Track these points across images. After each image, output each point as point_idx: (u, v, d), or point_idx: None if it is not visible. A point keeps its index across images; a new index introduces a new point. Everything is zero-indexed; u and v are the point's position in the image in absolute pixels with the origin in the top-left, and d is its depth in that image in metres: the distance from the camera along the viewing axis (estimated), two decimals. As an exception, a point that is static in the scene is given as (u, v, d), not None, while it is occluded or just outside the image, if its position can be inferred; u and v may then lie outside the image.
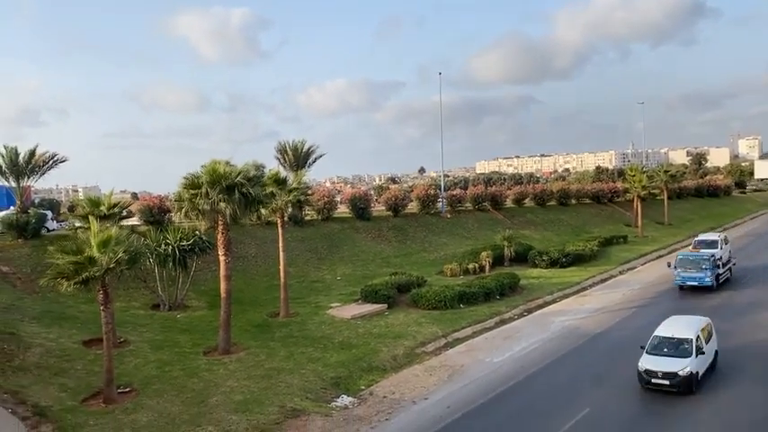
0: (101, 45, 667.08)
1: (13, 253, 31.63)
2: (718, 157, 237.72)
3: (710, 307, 28.47)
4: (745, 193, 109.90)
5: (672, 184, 71.76)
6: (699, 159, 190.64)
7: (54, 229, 37.85)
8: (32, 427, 15.97)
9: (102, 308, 18.25)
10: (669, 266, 33.40)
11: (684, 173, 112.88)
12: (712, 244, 36.69)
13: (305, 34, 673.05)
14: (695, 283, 32.16)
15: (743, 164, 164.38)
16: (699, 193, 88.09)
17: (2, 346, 20.44)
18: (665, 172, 69.42)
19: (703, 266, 31.86)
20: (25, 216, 33.82)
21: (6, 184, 37.41)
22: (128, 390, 18.88)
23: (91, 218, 21.35)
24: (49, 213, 40.06)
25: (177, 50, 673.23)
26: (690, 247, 38.58)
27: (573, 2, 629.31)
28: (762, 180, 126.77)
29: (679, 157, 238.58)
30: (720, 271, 33.70)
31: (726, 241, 38.40)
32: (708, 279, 31.92)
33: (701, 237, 39.42)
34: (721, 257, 34.69)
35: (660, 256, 48.01)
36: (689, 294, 32.41)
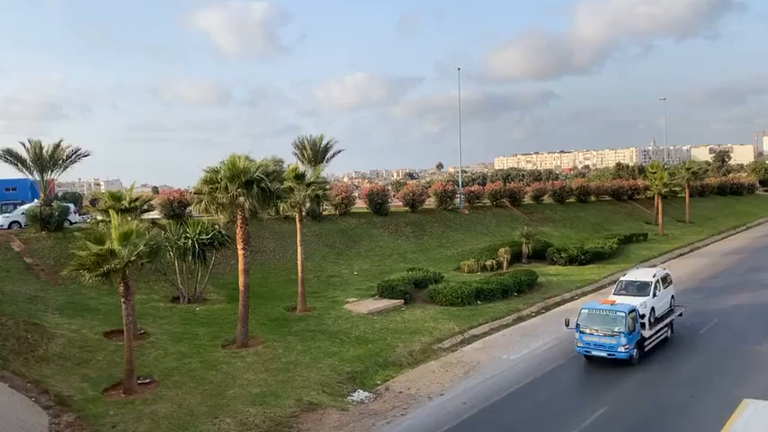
0: (123, 40, 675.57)
1: (36, 245, 32.23)
2: (741, 155, 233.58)
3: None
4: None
5: (694, 182, 70.69)
6: (722, 157, 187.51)
7: (76, 222, 38.44)
8: (55, 416, 16.29)
9: (122, 300, 18.53)
10: (567, 325, 22.16)
11: (707, 170, 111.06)
12: (642, 288, 23.71)
13: (325, 28, 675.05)
14: (603, 354, 20.94)
15: (767, 161, 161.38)
16: (721, 191, 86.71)
17: (26, 336, 20.86)
18: (687, 169, 68.35)
19: (616, 328, 20.62)
20: (48, 209, 34.40)
21: (30, 177, 38.03)
22: (148, 381, 19.17)
23: (111, 211, 21.64)
24: (72, 206, 40.69)
25: (198, 45, 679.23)
26: (606, 296, 24.81)
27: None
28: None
29: (702, 155, 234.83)
30: (648, 333, 21.87)
31: (666, 281, 25.29)
32: (623, 349, 20.54)
33: (629, 275, 25.29)
34: (652, 310, 22.67)
35: (681, 254, 47.45)
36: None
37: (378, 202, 48.77)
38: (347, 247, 42.62)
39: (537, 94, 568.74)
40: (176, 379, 19.44)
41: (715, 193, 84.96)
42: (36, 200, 38.61)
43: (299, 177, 28.81)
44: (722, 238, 57.68)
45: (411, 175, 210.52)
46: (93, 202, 48.87)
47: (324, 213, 45.22)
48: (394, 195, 59.25)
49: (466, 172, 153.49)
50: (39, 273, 29.73)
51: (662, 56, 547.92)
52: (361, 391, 19.49)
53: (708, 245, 53.48)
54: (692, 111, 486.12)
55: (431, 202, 53.84)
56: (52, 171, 37.45)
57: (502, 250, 40.00)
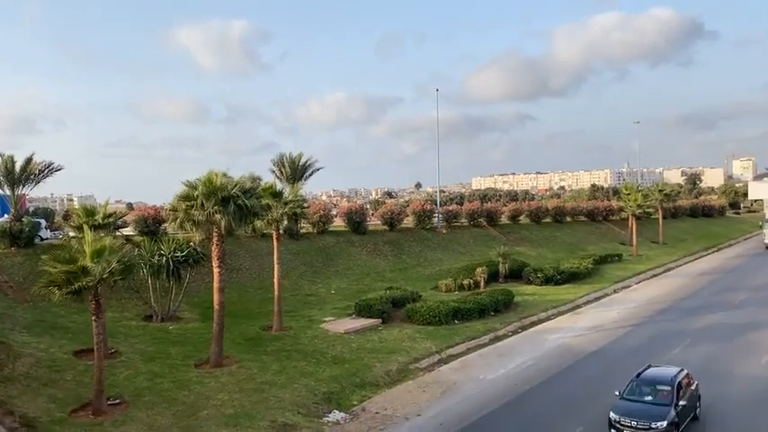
0: (100, 55, 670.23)
1: (5, 261, 31.43)
2: (712, 178, 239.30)
3: None
4: (739, 213, 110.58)
5: (667, 204, 72.11)
6: (693, 179, 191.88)
7: (48, 238, 37.65)
8: (19, 438, 15.75)
9: (93, 318, 18.10)
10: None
11: (679, 192, 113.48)
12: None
13: (305, 48, 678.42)
14: None
15: (737, 185, 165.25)
16: (693, 213, 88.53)
17: (-9, 356, 20.21)
18: (660, 191, 69.74)
19: None
20: (19, 224, 33.63)
21: (1, 191, 37.21)
22: (118, 402, 18.67)
23: (85, 227, 21.26)
24: (43, 222, 39.87)
25: (177, 62, 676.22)
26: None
27: (572, 19, 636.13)
28: (755, 201, 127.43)
29: (674, 177, 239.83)
30: None
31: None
32: None
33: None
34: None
35: (655, 275, 48.10)
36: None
37: (356, 221, 48.72)
38: (325, 265, 42.38)
39: (514, 115, 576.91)
40: (147, 399, 18.98)
41: (687, 214, 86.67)
42: (6, 215, 37.74)
43: (277, 195, 28.66)
44: (695, 259, 58.70)
45: (389, 194, 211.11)
46: (66, 217, 47.99)
47: (301, 231, 44.97)
48: (372, 214, 59.32)
49: (444, 192, 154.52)
50: (6, 290, 28.96)
51: (636, 80, 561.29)
52: (337, 412, 19.23)
53: (681, 265, 54.34)
54: (664, 134, 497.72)
55: (409, 221, 53.97)
56: (23, 186, 36.66)
57: (479, 270, 40.15)
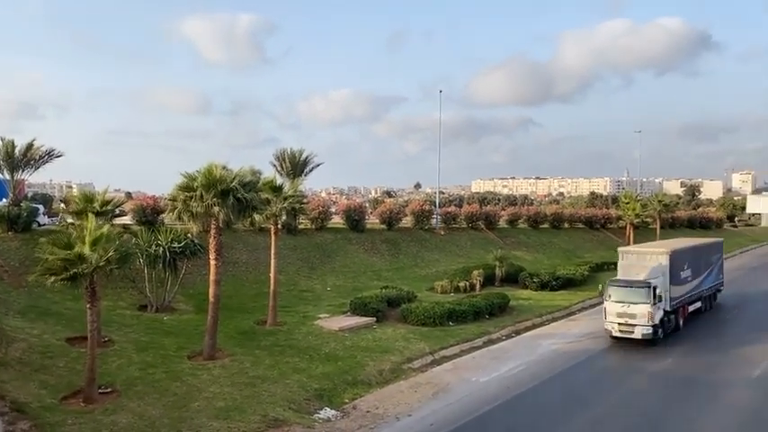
0: (105, 43, 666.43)
1: (2, 245, 31.37)
2: (711, 190, 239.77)
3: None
4: (736, 226, 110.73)
5: (665, 214, 72.16)
6: (692, 191, 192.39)
7: (45, 224, 37.60)
8: (10, 423, 15.70)
9: (88, 306, 18.07)
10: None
11: (678, 203, 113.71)
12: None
13: (311, 43, 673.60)
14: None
15: (735, 198, 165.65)
16: (691, 225, 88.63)
17: (-16, 339, 20.18)
18: (659, 201, 69.81)
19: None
20: (17, 209, 33.57)
21: (0, 176, 37.13)
22: (109, 390, 18.65)
23: (90, 215, 21.19)
24: (41, 208, 39.82)
25: (182, 52, 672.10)
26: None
27: (580, 25, 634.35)
28: (753, 215, 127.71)
29: (673, 188, 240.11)
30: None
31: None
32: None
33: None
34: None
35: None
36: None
37: (355, 219, 48.72)
38: (321, 262, 42.37)
39: (517, 120, 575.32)
40: (139, 389, 18.96)
41: (685, 225, 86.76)
42: (4, 199, 37.66)
43: (277, 190, 28.64)
44: (690, 271, 58.70)
45: (389, 194, 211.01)
46: (65, 203, 47.93)
47: (300, 227, 44.98)
48: (371, 212, 59.35)
49: (443, 193, 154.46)
50: (2, 274, 28.90)
51: (642, 89, 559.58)
52: (329, 409, 19.23)
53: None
54: (666, 144, 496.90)
55: (407, 221, 53.99)
56: (23, 171, 36.58)
57: (475, 272, 40.18)
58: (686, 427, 18.14)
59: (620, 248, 32.00)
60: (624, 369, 24.67)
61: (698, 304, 33.47)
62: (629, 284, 27.75)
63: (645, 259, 29.73)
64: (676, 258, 29.75)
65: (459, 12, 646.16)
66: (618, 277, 29.37)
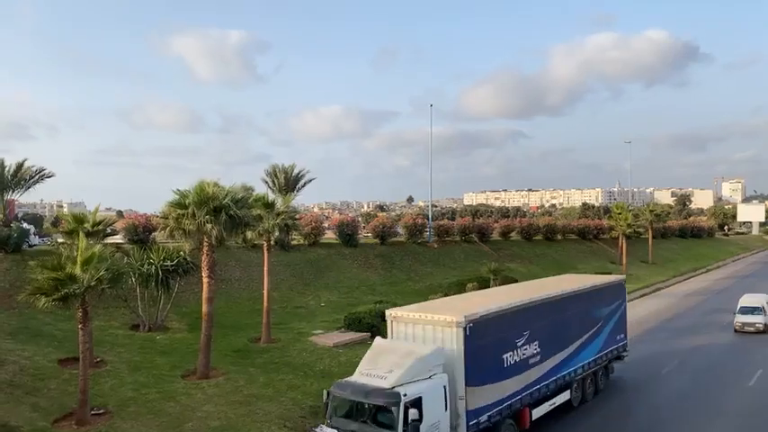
0: (94, 61, 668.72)
1: (-8, 267, 31.06)
2: (702, 199, 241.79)
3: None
4: (727, 235, 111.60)
5: (657, 224, 72.71)
6: (683, 200, 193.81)
7: (36, 245, 37.33)
8: (0, 447, 15.48)
9: (80, 326, 17.88)
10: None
11: (669, 213, 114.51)
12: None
13: (302, 59, 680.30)
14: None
15: (726, 206, 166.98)
16: (683, 234, 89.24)
17: (-26, 362, 19.90)
18: (651, 211, 70.38)
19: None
20: (7, 230, 33.32)
21: (-10, 196, 36.90)
22: (102, 412, 18.40)
23: (81, 234, 21.05)
24: (32, 228, 39.58)
25: (172, 70, 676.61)
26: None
27: (568, 39, 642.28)
28: (744, 223, 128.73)
29: (664, 198, 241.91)
30: None
31: None
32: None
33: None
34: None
35: (644, 295, 48.25)
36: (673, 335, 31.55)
37: (347, 233, 48.65)
38: (315, 277, 42.21)
39: (508, 132, 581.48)
40: (132, 410, 18.72)
41: (677, 235, 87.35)
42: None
43: (269, 206, 28.58)
44: (684, 279, 59.04)
45: (381, 208, 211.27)
46: (56, 223, 47.65)
47: (292, 243, 44.85)
48: (363, 227, 59.30)
49: (436, 206, 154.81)
50: (-8, 296, 28.60)
51: (631, 100, 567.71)
52: (324, 427, 19.00)
53: (669, 286, 54.61)
54: (656, 154, 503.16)
55: (401, 235, 53.97)
56: (14, 191, 36.42)
57: (470, 285, 40.12)
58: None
59: (389, 312, 17.83)
60: (618, 379, 24.56)
61: (563, 397, 20.16)
62: (358, 395, 14.67)
63: (421, 335, 16.51)
64: (491, 329, 16.54)
65: (449, 27, 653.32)
66: (362, 370, 15.68)
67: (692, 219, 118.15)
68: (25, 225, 38.37)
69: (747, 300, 34.20)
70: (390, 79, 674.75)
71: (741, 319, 32.96)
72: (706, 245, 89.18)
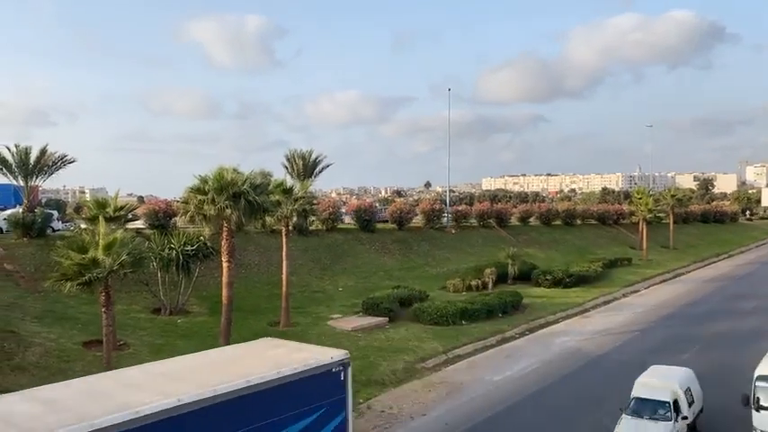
0: (114, 47, 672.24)
1: (17, 251, 31.70)
2: (725, 184, 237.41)
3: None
4: (751, 220, 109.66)
5: (678, 209, 71.61)
6: (706, 185, 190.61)
7: (59, 230, 37.94)
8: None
9: (103, 309, 18.25)
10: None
11: (691, 197, 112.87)
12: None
13: (319, 45, 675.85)
14: None
15: (750, 191, 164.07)
16: (705, 219, 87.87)
17: (1, 345, 20.40)
18: (672, 196, 69.26)
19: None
20: (31, 215, 33.94)
21: (14, 182, 37.54)
22: (125, 393, 18.76)
23: (101, 219, 21.39)
24: (55, 213, 40.19)
25: (190, 56, 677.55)
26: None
27: (589, 21, 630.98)
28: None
29: (686, 182, 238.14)
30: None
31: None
32: None
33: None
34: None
35: (664, 280, 47.78)
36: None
37: (365, 219, 48.73)
38: (333, 262, 42.42)
39: (527, 117, 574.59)
40: (155, 392, 19.07)
41: (698, 220, 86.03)
42: (19, 206, 38.07)
43: (287, 191, 28.73)
44: (705, 265, 58.25)
45: (399, 193, 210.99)
46: (78, 209, 48.36)
47: (311, 228, 45.07)
48: (384, 213, 59.29)
49: (453, 191, 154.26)
50: (18, 280, 29.21)
51: (653, 83, 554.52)
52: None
53: (691, 271, 53.95)
54: (678, 138, 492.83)
55: (418, 221, 53.92)
56: (37, 177, 36.97)
57: (488, 271, 40.05)
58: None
59: None
60: (639, 365, 24.45)
61: None
62: None
63: None
64: None
65: (467, 11, 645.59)
66: None
67: (714, 203, 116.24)
68: (48, 210, 38.97)
69: (648, 382, 17.39)
70: (408, 65, 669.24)
71: (627, 425, 15.99)
72: (728, 230, 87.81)
